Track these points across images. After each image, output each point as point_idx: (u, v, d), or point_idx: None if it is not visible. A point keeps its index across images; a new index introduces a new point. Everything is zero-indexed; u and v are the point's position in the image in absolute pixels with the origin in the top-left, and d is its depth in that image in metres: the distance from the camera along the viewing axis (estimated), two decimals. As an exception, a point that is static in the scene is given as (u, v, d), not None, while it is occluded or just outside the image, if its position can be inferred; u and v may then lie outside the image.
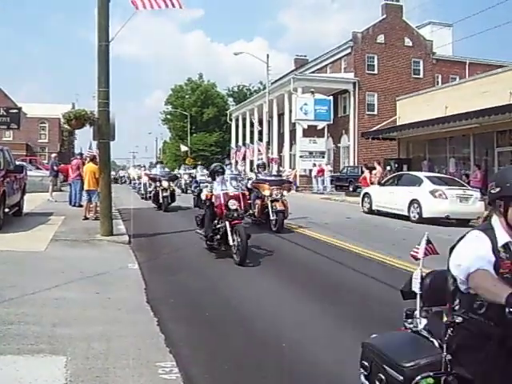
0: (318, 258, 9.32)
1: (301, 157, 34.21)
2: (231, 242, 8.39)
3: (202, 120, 65.93)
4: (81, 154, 18.83)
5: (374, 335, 2.98)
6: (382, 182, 18.88)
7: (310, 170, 32.73)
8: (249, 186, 13.13)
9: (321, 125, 34.87)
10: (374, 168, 23.22)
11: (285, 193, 12.81)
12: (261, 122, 42.76)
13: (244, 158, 45.85)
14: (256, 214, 12.74)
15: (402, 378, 2.54)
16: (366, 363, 2.83)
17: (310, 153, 33.94)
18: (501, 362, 2.31)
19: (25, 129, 38.64)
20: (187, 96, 67.91)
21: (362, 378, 2.86)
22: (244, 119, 50.43)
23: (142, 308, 5.68)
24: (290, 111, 37.37)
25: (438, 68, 40.20)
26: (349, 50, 38.97)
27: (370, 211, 17.78)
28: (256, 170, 14.43)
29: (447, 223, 15.08)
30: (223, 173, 9.51)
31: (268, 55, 38.62)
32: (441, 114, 21.48)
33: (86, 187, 13.63)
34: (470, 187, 16.77)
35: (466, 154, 22.53)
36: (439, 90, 26.35)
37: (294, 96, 35.81)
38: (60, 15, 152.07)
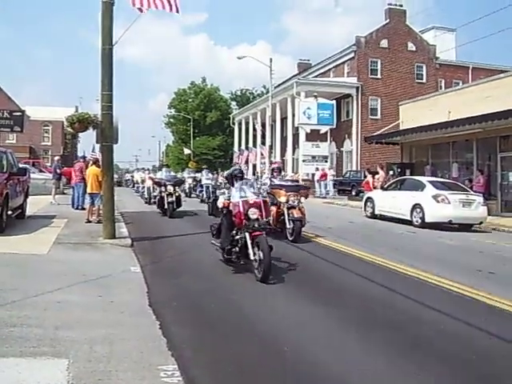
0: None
1: (303, 161, 34.22)
2: (252, 257, 7.50)
3: (205, 124, 66.10)
4: (84, 157, 18.87)
5: None
6: (385, 186, 18.88)
7: (313, 175, 32.74)
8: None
9: (324, 129, 34.92)
10: (377, 172, 23.21)
11: (302, 199, 12.00)
12: (264, 126, 42.81)
13: (247, 162, 45.91)
14: (271, 221, 11.40)
15: None
16: None
17: (313, 157, 33.96)
18: None
19: (28, 132, 38.80)
20: (190, 100, 68.14)
21: None
22: (247, 123, 50.51)
23: (145, 311, 5.67)
24: (293, 115, 37.42)
25: (442, 73, 40.26)
26: (352, 55, 39.06)
27: (373, 216, 17.76)
28: (271, 175, 13.44)
29: (450, 228, 15.07)
30: (242, 177, 8.65)
31: (271, 59, 38.83)
32: (444, 118, 21.46)
33: (88, 190, 13.65)
34: (472, 192, 16.75)
35: (469, 158, 22.49)
36: (442, 94, 26.34)
37: (297, 100, 35.87)
38: (63, 17, 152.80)
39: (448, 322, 5.71)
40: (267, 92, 42.26)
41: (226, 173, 9.50)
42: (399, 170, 24.97)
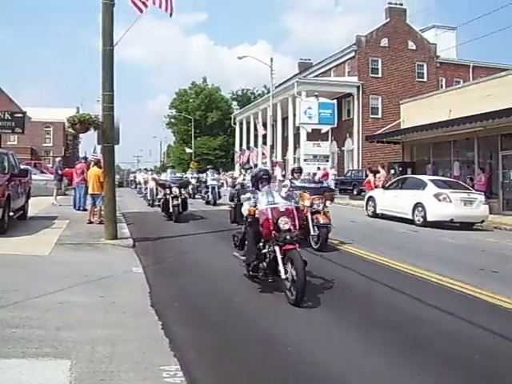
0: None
1: (305, 160, 34.18)
2: (283, 275, 6.26)
3: (206, 124, 66.17)
4: (85, 158, 18.91)
5: None
6: (386, 185, 18.86)
7: (314, 174, 32.71)
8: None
9: (325, 128, 34.88)
10: (378, 171, 23.17)
11: (327, 203, 10.88)
12: (265, 126, 42.83)
13: (248, 162, 45.94)
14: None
15: None
16: None
17: (314, 156, 33.90)
18: None
19: (29, 133, 38.86)
20: (191, 100, 68.23)
21: None
22: (248, 123, 50.57)
23: (147, 312, 5.67)
24: (294, 115, 37.42)
25: (442, 71, 40.24)
26: (352, 54, 39.05)
27: (374, 215, 17.76)
28: (291, 176, 12.41)
29: (451, 227, 15.06)
30: (269, 180, 7.36)
31: (272, 59, 38.81)
32: (445, 117, 21.44)
33: (90, 191, 13.66)
34: (474, 190, 16.74)
35: (471, 157, 22.48)
36: (443, 93, 26.31)
37: (297, 100, 35.87)
38: (64, 18, 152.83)
39: (450, 321, 5.70)
40: (268, 92, 42.26)
41: (250, 174, 7.86)
42: (400, 169, 24.95)
